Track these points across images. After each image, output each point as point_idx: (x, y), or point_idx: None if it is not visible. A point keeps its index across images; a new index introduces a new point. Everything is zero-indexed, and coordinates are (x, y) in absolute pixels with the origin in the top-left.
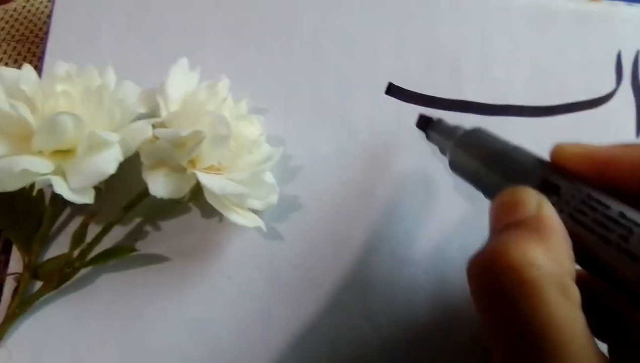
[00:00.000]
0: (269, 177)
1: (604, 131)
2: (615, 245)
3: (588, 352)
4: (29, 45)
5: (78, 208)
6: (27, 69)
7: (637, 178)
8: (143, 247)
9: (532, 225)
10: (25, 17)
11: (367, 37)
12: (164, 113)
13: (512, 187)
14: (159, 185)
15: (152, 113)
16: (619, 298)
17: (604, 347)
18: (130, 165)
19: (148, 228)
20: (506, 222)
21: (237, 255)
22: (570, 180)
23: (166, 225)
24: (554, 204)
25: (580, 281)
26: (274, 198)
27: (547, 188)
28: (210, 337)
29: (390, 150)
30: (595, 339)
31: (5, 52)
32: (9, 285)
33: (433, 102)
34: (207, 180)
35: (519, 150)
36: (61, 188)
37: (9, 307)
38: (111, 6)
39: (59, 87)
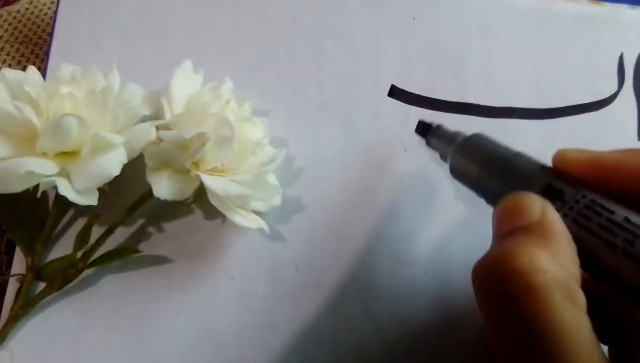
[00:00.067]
0: (272, 179)
1: (606, 133)
2: (621, 249)
3: (594, 357)
4: (32, 47)
5: (82, 210)
6: (32, 70)
7: (637, 184)
8: (146, 248)
9: (537, 231)
10: (29, 19)
11: (370, 39)
12: (168, 115)
13: (516, 192)
14: (163, 186)
15: (156, 115)
16: (622, 302)
17: (605, 349)
18: (134, 167)
19: (151, 229)
20: (510, 227)
21: (239, 257)
22: (574, 186)
23: (169, 226)
24: (557, 210)
25: (582, 284)
26: (277, 200)
27: (551, 193)
28: (213, 338)
29: (393, 152)
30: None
31: (8, 54)
32: (12, 286)
33: (436, 104)
34: (211, 182)
35: (520, 156)
36: (66, 189)
37: (11, 308)
38: (115, 8)
39: (64, 89)
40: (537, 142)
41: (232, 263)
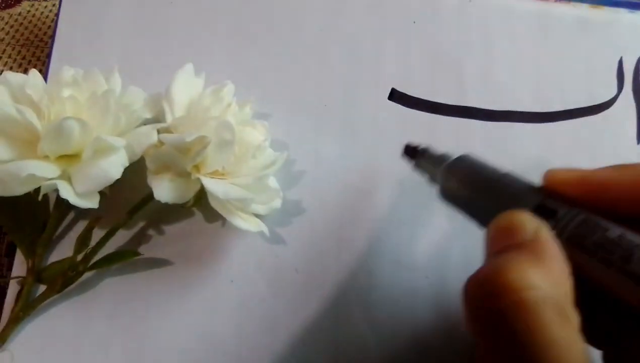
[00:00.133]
0: (272, 182)
1: (605, 137)
2: (617, 267)
3: None
4: (33, 50)
5: (82, 212)
6: (34, 73)
7: (629, 200)
8: (147, 251)
9: (530, 248)
10: (30, 22)
11: (371, 42)
12: (169, 118)
13: (509, 211)
14: (164, 189)
15: (158, 118)
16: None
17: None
18: (135, 170)
19: (152, 232)
20: (503, 245)
21: (240, 260)
22: (567, 205)
23: (170, 229)
24: (551, 228)
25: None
26: (277, 203)
27: (543, 213)
28: (214, 341)
29: (393, 156)
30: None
31: (10, 56)
32: (13, 288)
33: (436, 107)
34: (212, 185)
35: (509, 176)
36: (67, 192)
37: (12, 311)
38: (116, 11)
39: (66, 92)
40: (537, 146)
41: (232, 266)
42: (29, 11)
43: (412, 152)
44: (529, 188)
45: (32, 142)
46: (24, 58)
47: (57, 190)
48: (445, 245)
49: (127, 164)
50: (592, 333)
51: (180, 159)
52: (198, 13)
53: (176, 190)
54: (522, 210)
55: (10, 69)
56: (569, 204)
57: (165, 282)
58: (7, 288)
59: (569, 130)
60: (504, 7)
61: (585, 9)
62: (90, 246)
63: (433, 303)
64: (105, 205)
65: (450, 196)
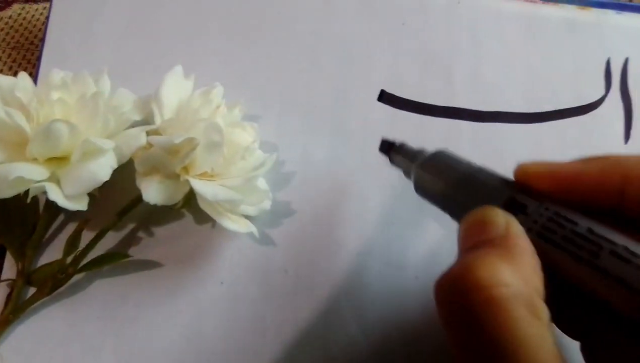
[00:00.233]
0: (261, 183)
1: (592, 137)
2: (587, 261)
3: None
4: (24, 52)
5: (72, 215)
6: (23, 76)
7: (597, 191)
8: (136, 253)
9: (500, 245)
10: (21, 25)
11: (361, 44)
12: (158, 120)
13: (480, 207)
14: (153, 191)
15: (147, 120)
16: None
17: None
18: (125, 172)
19: (141, 234)
20: (475, 242)
21: (230, 261)
22: (537, 199)
23: (159, 231)
24: (521, 223)
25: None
26: (267, 204)
27: (514, 207)
28: (204, 342)
29: (383, 156)
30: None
31: (0, 59)
32: (2, 291)
33: (425, 108)
34: (200, 186)
35: (483, 171)
36: (55, 195)
37: (2, 313)
38: (107, 14)
39: (55, 95)
40: (525, 146)
41: (222, 267)
42: (19, 14)
43: (388, 147)
44: (501, 183)
45: (21, 144)
46: (14, 61)
47: (46, 193)
48: (435, 246)
49: (115, 166)
50: (569, 325)
51: (169, 160)
52: (188, 15)
53: (165, 191)
54: (493, 205)
55: (1, 72)
56: (540, 198)
57: (155, 283)
58: None
59: (557, 131)
60: (493, 9)
61: (573, 10)
62: (79, 248)
63: (423, 304)
64: (94, 207)
65: (425, 191)
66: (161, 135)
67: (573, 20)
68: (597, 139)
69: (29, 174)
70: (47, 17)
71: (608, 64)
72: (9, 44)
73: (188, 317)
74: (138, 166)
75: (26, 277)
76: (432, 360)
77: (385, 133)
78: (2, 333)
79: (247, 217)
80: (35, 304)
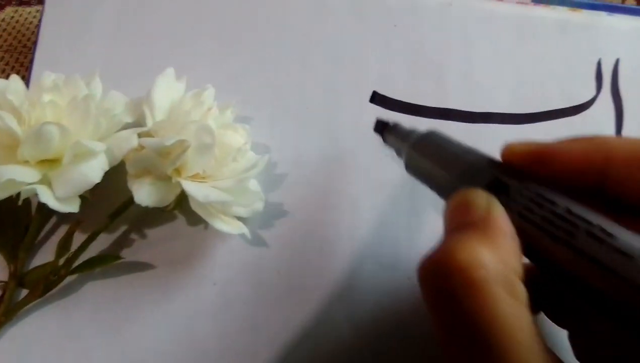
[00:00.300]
0: (253, 185)
1: None
2: (563, 241)
3: (533, 349)
4: (17, 55)
5: (64, 217)
6: (14, 79)
7: (582, 172)
8: (129, 254)
9: (480, 226)
10: (14, 27)
11: (352, 46)
12: (149, 122)
13: (463, 189)
14: (144, 193)
15: (139, 122)
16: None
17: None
18: (117, 174)
19: (134, 236)
20: (457, 224)
21: (222, 262)
22: (520, 179)
23: (152, 233)
24: (503, 204)
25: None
26: (259, 206)
27: (497, 187)
28: (196, 343)
29: (375, 158)
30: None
31: None
32: None
33: (417, 110)
34: (192, 188)
35: (471, 152)
36: (46, 197)
37: None
38: (99, 16)
39: (46, 97)
40: None
41: (214, 268)
42: (12, 17)
43: (382, 127)
44: (487, 164)
45: (13, 147)
46: (7, 64)
47: (37, 195)
48: (427, 246)
49: (107, 168)
50: (557, 313)
51: (161, 162)
52: (180, 18)
53: (156, 193)
54: (478, 185)
55: None
56: (523, 178)
57: (147, 285)
58: None
59: (548, 131)
60: (484, 10)
61: (564, 12)
62: (71, 250)
63: (415, 304)
64: (86, 210)
65: (415, 170)
66: (153, 137)
67: (564, 22)
68: None
69: (20, 176)
70: (40, 20)
71: (599, 65)
72: (1, 47)
73: (181, 318)
74: (129, 168)
75: (18, 279)
76: (424, 360)
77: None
78: None
79: (239, 218)
80: (27, 306)
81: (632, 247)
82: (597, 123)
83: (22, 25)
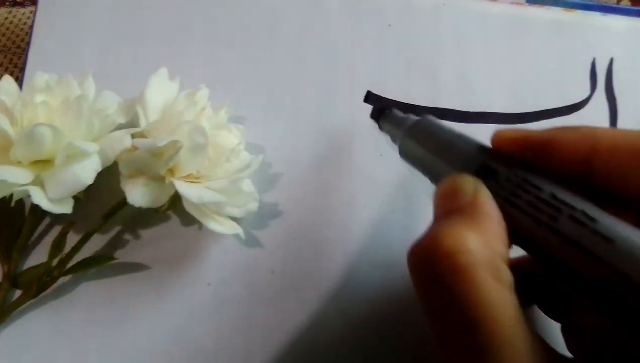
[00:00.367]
0: (247, 185)
1: None
2: (546, 225)
3: (517, 330)
4: (10, 56)
5: (58, 218)
6: (6, 80)
7: (568, 160)
8: (122, 255)
9: (467, 212)
10: (7, 28)
11: (346, 46)
12: (143, 123)
13: (452, 175)
14: (137, 194)
15: (133, 123)
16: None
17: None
18: (110, 175)
19: (127, 236)
20: (446, 210)
21: (216, 263)
22: (508, 165)
23: (145, 233)
24: (491, 189)
25: (529, 266)
26: (253, 206)
27: (486, 173)
28: (191, 344)
29: (369, 158)
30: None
31: None
32: None
33: (411, 109)
34: (185, 189)
35: (462, 138)
36: (39, 198)
37: None
38: (93, 16)
39: (38, 98)
40: None
41: (208, 269)
42: (6, 18)
43: (378, 113)
44: (477, 150)
45: (5, 148)
46: (1, 65)
47: (30, 196)
48: None
49: (100, 169)
50: (549, 306)
51: (154, 163)
52: (173, 17)
53: (150, 194)
54: (467, 171)
55: None
56: (512, 164)
57: (141, 286)
58: None
59: None
60: (478, 10)
61: (558, 12)
62: (65, 251)
63: (409, 303)
64: (80, 210)
65: (408, 156)
66: (146, 137)
67: (558, 21)
68: None
69: (13, 177)
70: (33, 21)
71: (593, 64)
72: None
73: (175, 318)
74: (122, 169)
75: (12, 280)
76: (418, 358)
77: (371, 134)
78: None
79: (233, 218)
80: (21, 307)
81: (613, 231)
82: (591, 122)
83: (16, 26)
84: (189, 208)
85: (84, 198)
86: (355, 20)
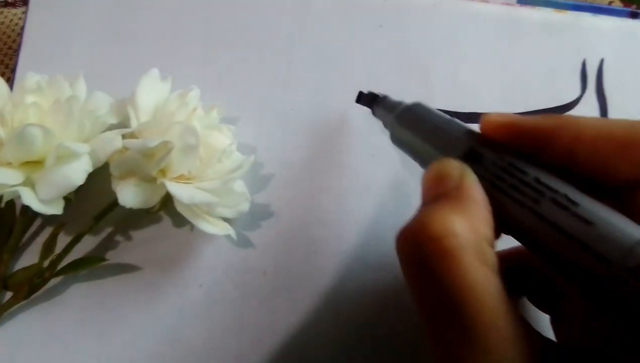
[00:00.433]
0: (239, 186)
1: None
2: (529, 208)
3: (500, 311)
4: (2, 57)
5: (49, 219)
6: None
7: (551, 147)
8: (114, 256)
9: (453, 196)
10: None
11: (338, 46)
12: (134, 123)
13: (439, 159)
14: (129, 195)
15: (124, 123)
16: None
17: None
18: (101, 176)
19: (119, 238)
20: (433, 194)
21: (208, 263)
22: (494, 149)
23: (137, 234)
24: (476, 172)
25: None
26: (245, 207)
27: (472, 157)
28: (183, 345)
29: (361, 158)
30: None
31: None
32: None
33: None
34: (176, 189)
35: (451, 123)
36: (30, 199)
37: None
38: (84, 17)
39: (29, 99)
40: None
41: (200, 270)
42: None
43: (372, 99)
44: (465, 135)
45: None
46: None
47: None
48: None
49: (91, 170)
50: (537, 297)
51: (145, 164)
52: (165, 18)
53: (141, 195)
54: (454, 155)
55: None
56: (499, 149)
57: (133, 287)
58: None
59: None
60: (470, 11)
61: (549, 13)
62: (56, 252)
63: (401, 304)
64: (71, 211)
65: (399, 141)
66: (137, 138)
67: (549, 22)
68: None
69: (3, 178)
70: (24, 22)
71: (584, 65)
72: None
73: (167, 319)
74: (114, 170)
75: (2, 281)
76: (410, 358)
77: (362, 135)
78: None
79: (225, 219)
80: (11, 309)
81: (594, 214)
82: None
83: (8, 27)
84: (180, 209)
85: (74, 199)
86: (347, 20)
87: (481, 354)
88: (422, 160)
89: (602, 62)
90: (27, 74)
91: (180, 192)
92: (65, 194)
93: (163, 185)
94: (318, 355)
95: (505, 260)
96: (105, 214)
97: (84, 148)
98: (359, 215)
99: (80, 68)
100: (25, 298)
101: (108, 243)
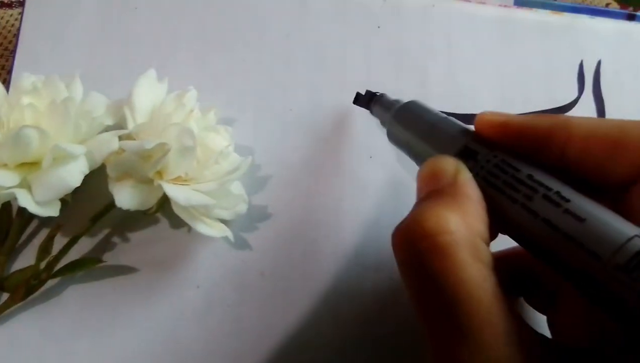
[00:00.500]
0: (237, 187)
1: None
2: (521, 204)
3: (494, 307)
4: None
5: (46, 220)
6: None
7: (544, 147)
8: (111, 258)
9: (448, 193)
10: None
11: (336, 47)
12: (131, 125)
13: (434, 156)
14: (125, 196)
15: (120, 124)
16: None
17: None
18: (98, 177)
19: (116, 239)
20: (428, 191)
21: (206, 265)
22: (488, 147)
23: (134, 236)
24: (470, 169)
25: (520, 262)
26: (242, 208)
27: (467, 154)
28: (180, 347)
29: (358, 159)
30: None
31: None
32: None
33: None
34: (173, 191)
35: (447, 121)
36: (26, 201)
37: None
38: (80, 18)
39: (25, 100)
40: None
41: (198, 271)
42: None
43: (369, 98)
44: (460, 132)
45: None
46: None
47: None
48: None
49: (87, 172)
50: (533, 298)
51: (142, 165)
52: (162, 19)
53: (138, 197)
54: (449, 152)
55: None
56: (493, 147)
57: (130, 289)
58: None
59: None
60: (467, 13)
61: (546, 15)
62: (52, 254)
63: (398, 304)
64: (67, 213)
65: (396, 139)
66: (134, 139)
67: (546, 24)
68: None
69: None
70: (20, 23)
71: (581, 66)
72: None
73: (164, 321)
74: (110, 171)
75: None
76: (408, 359)
77: (360, 136)
78: None
79: (222, 221)
80: (8, 310)
81: (586, 211)
82: None
83: (4, 28)
84: (177, 210)
85: (71, 201)
86: (344, 22)
87: (476, 350)
88: (418, 157)
89: (599, 63)
90: (23, 75)
91: (177, 193)
92: (61, 196)
93: (160, 186)
94: (317, 356)
95: (502, 261)
96: (102, 216)
97: (80, 149)
98: (357, 216)
99: (77, 69)
100: (22, 300)
101: (105, 245)
